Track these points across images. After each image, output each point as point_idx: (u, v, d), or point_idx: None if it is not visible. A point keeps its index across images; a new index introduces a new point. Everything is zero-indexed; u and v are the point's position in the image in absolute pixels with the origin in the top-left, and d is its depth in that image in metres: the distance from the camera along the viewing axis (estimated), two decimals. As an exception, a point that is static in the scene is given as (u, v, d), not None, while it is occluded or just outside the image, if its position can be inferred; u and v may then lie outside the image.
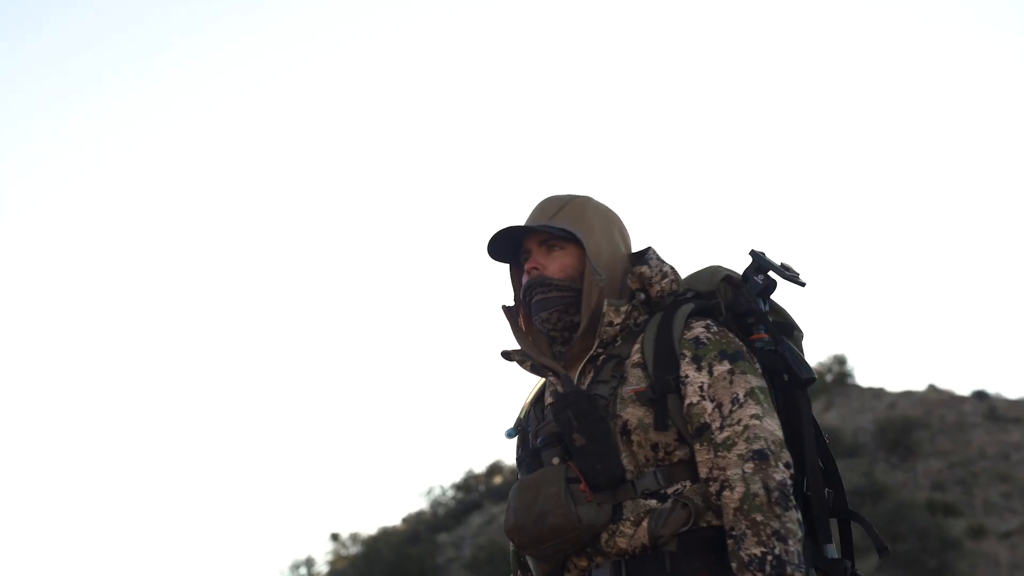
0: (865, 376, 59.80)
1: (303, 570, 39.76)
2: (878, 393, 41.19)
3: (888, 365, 66.17)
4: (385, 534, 38.55)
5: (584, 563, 2.48)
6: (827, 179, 64.12)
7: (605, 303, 2.53)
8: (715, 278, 2.60)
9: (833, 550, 2.48)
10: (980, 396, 38.48)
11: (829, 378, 42.58)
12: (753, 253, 2.59)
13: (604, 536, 2.42)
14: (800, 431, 2.49)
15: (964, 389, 41.82)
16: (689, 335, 2.48)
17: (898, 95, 61.55)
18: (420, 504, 43.92)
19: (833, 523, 2.57)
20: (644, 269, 2.59)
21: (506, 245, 2.67)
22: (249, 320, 59.34)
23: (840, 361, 43.39)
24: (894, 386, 44.32)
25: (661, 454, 2.43)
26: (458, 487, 43.72)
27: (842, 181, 63.66)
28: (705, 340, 2.47)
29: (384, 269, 61.44)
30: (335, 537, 41.03)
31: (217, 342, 58.56)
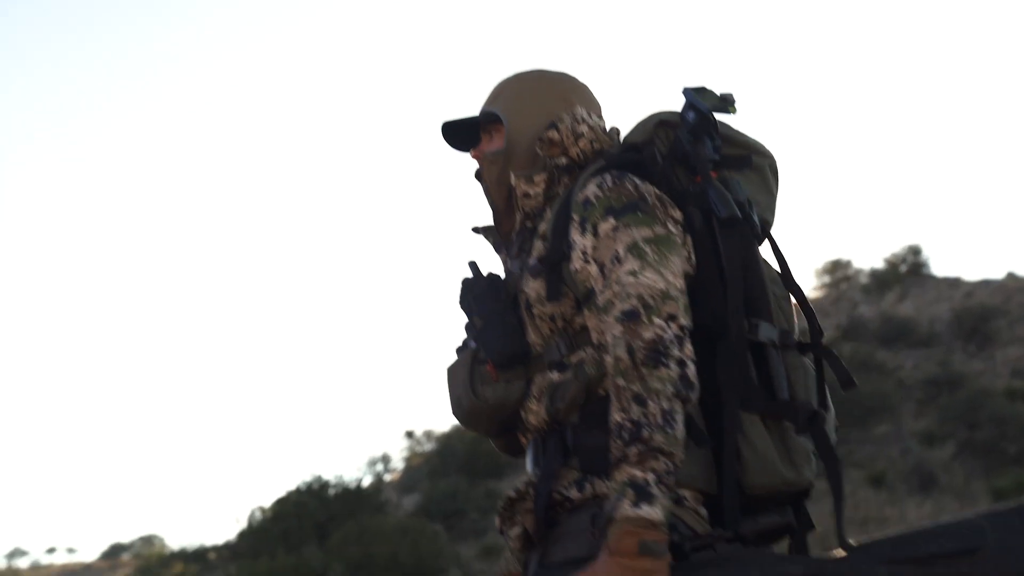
0: (941, 266, 59.07)
1: (380, 466, 40.37)
2: (954, 283, 40.63)
3: (965, 254, 65.02)
4: (458, 431, 38.95)
5: (525, 440, 2.43)
6: (903, 67, 62.67)
7: (512, 176, 2.44)
8: (648, 125, 2.42)
9: (787, 391, 2.26)
10: (1061, 283, 37.76)
11: (904, 268, 42.02)
12: (684, 90, 2.40)
13: (523, 413, 2.37)
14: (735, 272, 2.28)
15: (1044, 277, 40.96)
16: (580, 197, 2.33)
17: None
18: (493, 402, 44.28)
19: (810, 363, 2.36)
20: (552, 133, 2.44)
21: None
22: (348, 224, 59.58)
23: (915, 251, 42.86)
24: (971, 275, 43.71)
25: (561, 323, 2.34)
26: (530, 384, 43.86)
27: (916, 68, 62.22)
28: (594, 199, 2.30)
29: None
30: (410, 435, 41.59)
31: (316, 243, 58.98)
